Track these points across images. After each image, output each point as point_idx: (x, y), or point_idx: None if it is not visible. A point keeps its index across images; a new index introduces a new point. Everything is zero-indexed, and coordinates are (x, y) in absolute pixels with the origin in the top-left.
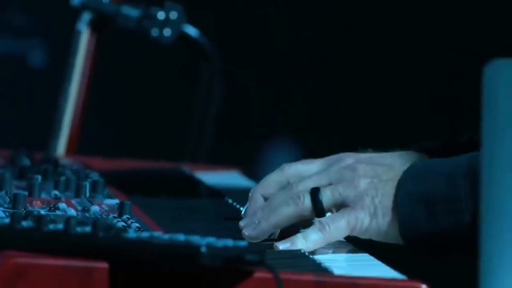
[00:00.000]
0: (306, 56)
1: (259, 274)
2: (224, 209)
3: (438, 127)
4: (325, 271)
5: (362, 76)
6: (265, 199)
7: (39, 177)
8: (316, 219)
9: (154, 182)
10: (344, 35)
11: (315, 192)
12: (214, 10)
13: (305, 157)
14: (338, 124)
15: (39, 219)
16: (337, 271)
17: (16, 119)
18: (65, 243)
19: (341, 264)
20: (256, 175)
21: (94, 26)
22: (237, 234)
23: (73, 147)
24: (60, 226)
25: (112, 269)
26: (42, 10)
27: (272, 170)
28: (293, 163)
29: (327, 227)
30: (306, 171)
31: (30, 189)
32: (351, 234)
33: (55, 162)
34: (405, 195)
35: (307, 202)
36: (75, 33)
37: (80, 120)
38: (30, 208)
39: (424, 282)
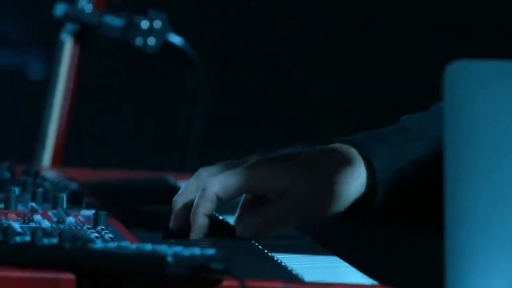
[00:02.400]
0: (292, 60)
1: (227, 282)
2: None
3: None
4: (295, 277)
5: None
6: (188, 207)
7: (17, 189)
8: None
9: (136, 192)
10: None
11: None
12: (199, 18)
13: None
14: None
15: (5, 232)
16: (307, 278)
17: (14, 131)
18: (31, 255)
19: (310, 269)
20: None
21: (78, 36)
22: (217, 242)
23: (58, 159)
24: (27, 238)
25: (79, 280)
26: (40, 22)
27: None
28: (209, 168)
29: None
30: None
31: (6, 201)
32: None
33: (35, 174)
34: None
35: None
36: (58, 44)
37: (65, 131)
38: (3, 221)
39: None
